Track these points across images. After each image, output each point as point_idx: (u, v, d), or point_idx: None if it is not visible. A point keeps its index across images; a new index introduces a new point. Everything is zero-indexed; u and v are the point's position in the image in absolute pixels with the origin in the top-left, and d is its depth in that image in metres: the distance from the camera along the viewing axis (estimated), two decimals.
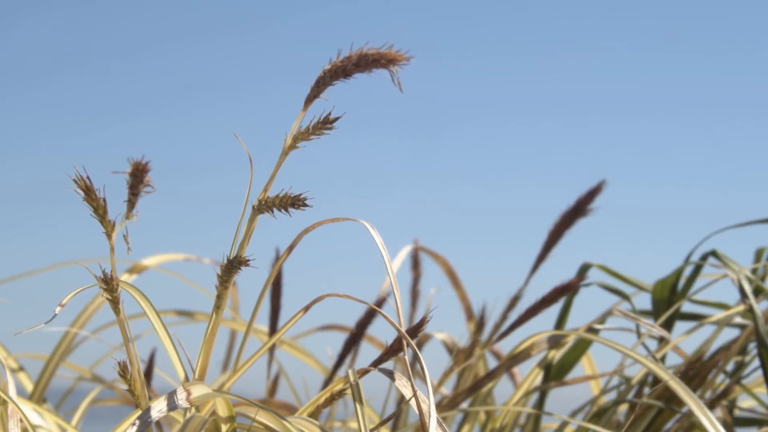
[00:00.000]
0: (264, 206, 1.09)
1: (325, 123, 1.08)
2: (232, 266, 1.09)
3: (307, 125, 1.09)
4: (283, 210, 1.08)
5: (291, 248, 1.14)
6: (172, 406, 1.04)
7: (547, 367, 1.76)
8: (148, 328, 2.12)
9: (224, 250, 1.10)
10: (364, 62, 1.05)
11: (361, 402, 1.10)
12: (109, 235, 1.06)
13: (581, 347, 1.80)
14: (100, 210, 1.05)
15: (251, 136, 1.10)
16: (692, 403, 1.36)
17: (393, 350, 1.17)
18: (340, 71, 1.07)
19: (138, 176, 1.03)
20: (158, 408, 1.03)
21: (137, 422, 1.02)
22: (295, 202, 1.07)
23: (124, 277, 2.00)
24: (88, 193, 1.04)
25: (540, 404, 1.79)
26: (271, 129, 1.10)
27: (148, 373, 1.97)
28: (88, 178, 1.03)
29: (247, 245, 1.11)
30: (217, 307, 1.12)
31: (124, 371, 1.10)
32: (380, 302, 1.98)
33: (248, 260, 1.09)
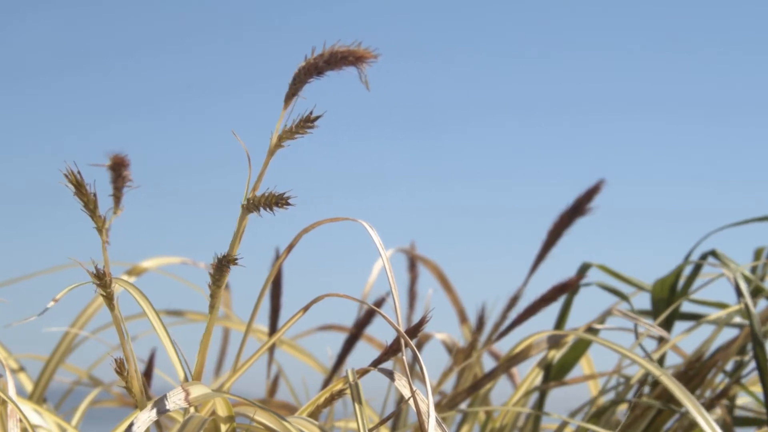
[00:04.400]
0: (252, 205, 1.09)
1: (307, 121, 1.08)
2: (222, 265, 1.10)
3: (290, 124, 1.09)
4: (267, 209, 1.08)
5: (290, 248, 1.14)
6: (171, 406, 1.04)
7: (546, 367, 1.75)
8: (147, 329, 2.12)
9: (223, 251, 1.11)
10: (334, 60, 1.07)
11: (360, 402, 1.10)
12: (99, 230, 1.06)
13: (581, 347, 1.79)
14: (90, 205, 1.05)
15: (252, 137, 1.10)
16: (688, 402, 1.36)
17: (392, 350, 1.17)
18: (313, 69, 1.08)
19: (117, 170, 1.04)
20: (157, 408, 1.03)
21: (136, 422, 1.02)
22: (279, 200, 1.07)
23: (124, 279, 2.00)
24: (79, 188, 1.04)
25: (539, 404, 1.79)
26: (270, 129, 1.10)
27: (148, 374, 1.97)
28: (79, 173, 1.04)
29: (238, 244, 1.11)
30: (212, 306, 1.13)
31: (121, 368, 1.10)
32: (379, 302, 1.98)
33: (236, 259, 1.09)
